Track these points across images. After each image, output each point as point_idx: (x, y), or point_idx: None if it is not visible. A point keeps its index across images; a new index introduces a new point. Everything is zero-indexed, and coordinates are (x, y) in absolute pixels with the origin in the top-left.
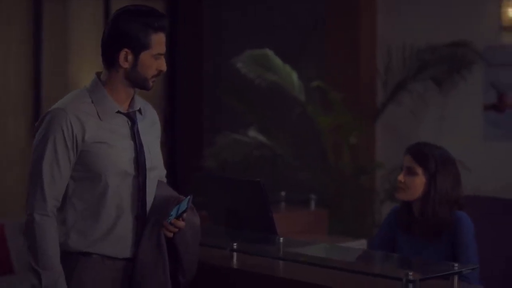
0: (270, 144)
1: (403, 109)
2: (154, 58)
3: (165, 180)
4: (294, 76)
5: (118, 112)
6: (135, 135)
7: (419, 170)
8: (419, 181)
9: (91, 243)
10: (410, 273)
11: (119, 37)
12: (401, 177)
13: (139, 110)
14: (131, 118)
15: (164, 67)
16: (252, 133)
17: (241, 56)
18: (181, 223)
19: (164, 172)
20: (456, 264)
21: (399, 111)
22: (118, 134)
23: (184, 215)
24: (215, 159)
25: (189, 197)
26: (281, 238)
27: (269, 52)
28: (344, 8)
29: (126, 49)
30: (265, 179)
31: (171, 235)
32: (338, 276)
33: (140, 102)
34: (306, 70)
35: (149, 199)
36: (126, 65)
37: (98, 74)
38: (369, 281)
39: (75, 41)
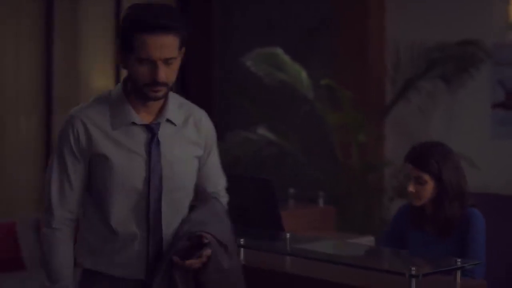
0: (279, 141)
1: (411, 107)
2: (138, 62)
3: (209, 196)
4: (303, 74)
5: (134, 123)
6: (151, 150)
7: (426, 177)
8: (429, 187)
9: (99, 262)
10: (413, 268)
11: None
12: (411, 188)
13: (171, 121)
14: (152, 130)
15: (157, 75)
16: (261, 131)
17: (250, 54)
18: (192, 262)
19: (209, 190)
20: (459, 260)
21: (407, 109)
22: (126, 147)
23: (204, 255)
24: (224, 156)
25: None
26: (288, 234)
27: (279, 51)
28: (353, 6)
29: (123, 52)
30: (273, 176)
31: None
32: (344, 272)
33: (183, 112)
34: (315, 68)
35: (170, 222)
36: (126, 69)
37: (125, 80)
38: (375, 276)
39: (86, 39)
